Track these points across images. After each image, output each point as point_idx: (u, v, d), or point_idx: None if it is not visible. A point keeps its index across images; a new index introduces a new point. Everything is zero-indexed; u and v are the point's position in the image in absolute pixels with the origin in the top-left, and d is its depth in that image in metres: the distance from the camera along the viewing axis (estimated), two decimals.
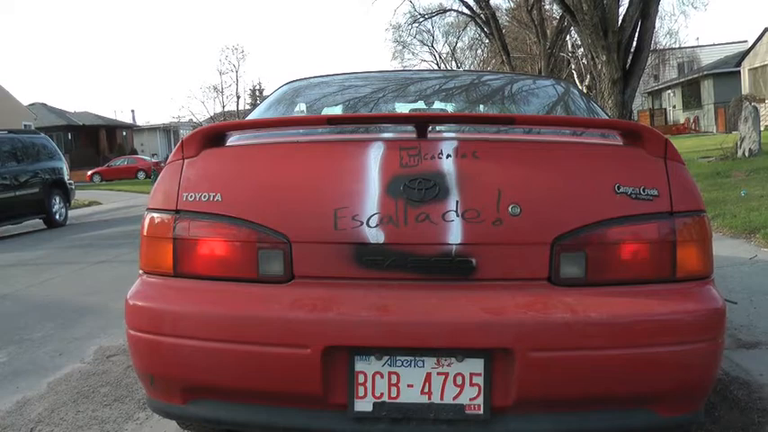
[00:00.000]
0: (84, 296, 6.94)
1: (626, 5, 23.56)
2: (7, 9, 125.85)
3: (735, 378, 3.47)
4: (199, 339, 2.30)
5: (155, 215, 2.49)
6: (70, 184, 17.11)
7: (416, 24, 57.66)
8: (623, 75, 22.12)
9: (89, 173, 45.88)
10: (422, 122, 2.36)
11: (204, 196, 2.38)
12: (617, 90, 21.95)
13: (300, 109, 3.71)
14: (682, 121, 47.57)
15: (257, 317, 2.26)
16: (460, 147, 2.31)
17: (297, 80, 4.10)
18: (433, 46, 71.81)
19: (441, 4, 56.21)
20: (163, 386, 2.43)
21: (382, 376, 2.22)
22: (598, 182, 2.29)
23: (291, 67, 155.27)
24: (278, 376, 2.24)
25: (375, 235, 2.23)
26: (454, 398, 2.20)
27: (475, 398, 2.19)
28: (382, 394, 2.21)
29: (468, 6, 48.02)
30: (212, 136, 2.49)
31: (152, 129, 65.78)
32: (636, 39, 22.73)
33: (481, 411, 2.19)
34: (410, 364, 2.21)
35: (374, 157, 2.30)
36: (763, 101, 32.44)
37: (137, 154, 56.16)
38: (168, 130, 65.23)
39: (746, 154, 14.12)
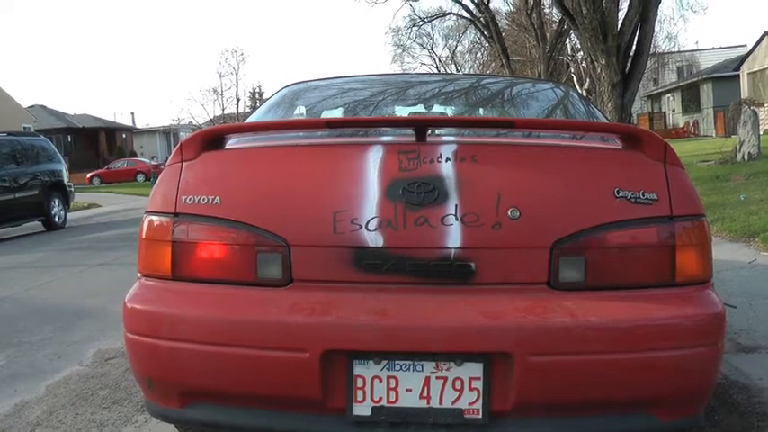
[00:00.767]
0: (82, 299, 6.93)
1: (625, 9, 23.65)
2: (7, 11, 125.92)
3: (734, 382, 3.47)
4: (197, 343, 2.27)
5: (153, 218, 2.48)
6: (69, 186, 17.10)
7: (416, 28, 57.65)
8: (623, 78, 22.13)
9: (88, 175, 45.87)
10: (421, 126, 2.36)
11: (203, 199, 2.36)
12: (616, 93, 21.96)
13: (300, 112, 3.70)
14: (681, 124, 47.61)
15: (256, 320, 2.24)
16: (460, 150, 2.30)
17: (296, 83, 4.08)
18: (432, 49, 71.77)
19: (440, 7, 56.51)
20: (161, 389, 2.42)
21: (381, 380, 2.20)
22: (597, 186, 2.29)
23: (291, 69, 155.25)
24: (276, 380, 2.23)
25: (374, 238, 2.21)
26: (453, 402, 2.18)
27: (474, 402, 2.18)
28: (381, 398, 2.20)
29: (467, 10, 48.05)
30: (211, 139, 2.48)
31: (151, 131, 65.78)
32: (635, 42, 22.74)
33: (480, 416, 2.17)
34: (409, 369, 2.19)
35: (373, 160, 2.29)
36: (762, 105, 32.47)
37: (136, 156, 56.16)
38: (168, 133, 65.22)
39: (746, 158, 14.12)
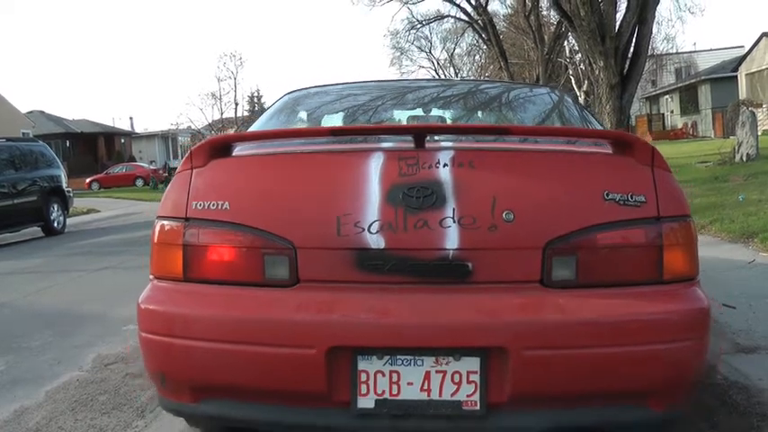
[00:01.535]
0: (82, 304, 6.93)
1: (623, 11, 23.66)
2: (5, 15, 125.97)
3: (734, 383, 3.47)
4: (208, 341, 2.38)
5: (164, 223, 2.58)
6: (68, 191, 17.10)
7: (414, 31, 57.72)
8: (621, 80, 22.16)
9: (87, 180, 45.78)
10: (419, 133, 2.46)
11: (213, 205, 2.46)
12: (615, 95, 21.99)
13: (301, 118, 3.86)
14: (679, 125, 47.62)
15: (265, 319, 2.36)
16: (457, 156, 2.40)
17: (297, 90, 4.17)
18: (430, 52, 71.82)
19: (438, 10, 56.28)
20: (174, 385, 2.53)
21: (383, 375, 2.30)
22: (588, 189, 2.39)
23: (290, 73, 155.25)
24: (284, 375, 2.33)
25: (376, 241, 2.31)
26: (452, 395, 2.29)
27: (471, 394, 2.28)
28: (384, 392, 2.30)
29: (465, 12, 48.13)
30: (219, 147, 2.59)
31: (150, 136, 65.69)
32: (633, 44, 22.77)
33: (477, 407, 2.28)
34: (410, 363, 2.30)
35: (375, 166, 2.38)
36: (760, 106, 32.49)
37: (135, 161, 56.09)
38: (167, 138, 65.13)
39: (744, 159, 14.13)
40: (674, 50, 50.31)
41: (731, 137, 20.82)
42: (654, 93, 54.29)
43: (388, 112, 3.91)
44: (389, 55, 69.29)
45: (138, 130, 69.65)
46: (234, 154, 2.63)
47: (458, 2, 47.72)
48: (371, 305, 2.32)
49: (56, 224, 15.94)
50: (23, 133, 36.05)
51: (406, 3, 49.06)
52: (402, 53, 67.04)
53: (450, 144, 2.57)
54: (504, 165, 2.45)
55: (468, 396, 2.29)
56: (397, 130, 2.89)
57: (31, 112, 50.64)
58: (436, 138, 2.65)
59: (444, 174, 2.36)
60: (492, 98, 4.22)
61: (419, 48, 69.60)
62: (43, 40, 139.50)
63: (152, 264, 2.67)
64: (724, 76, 41.04)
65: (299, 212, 2.40)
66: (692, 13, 42.66)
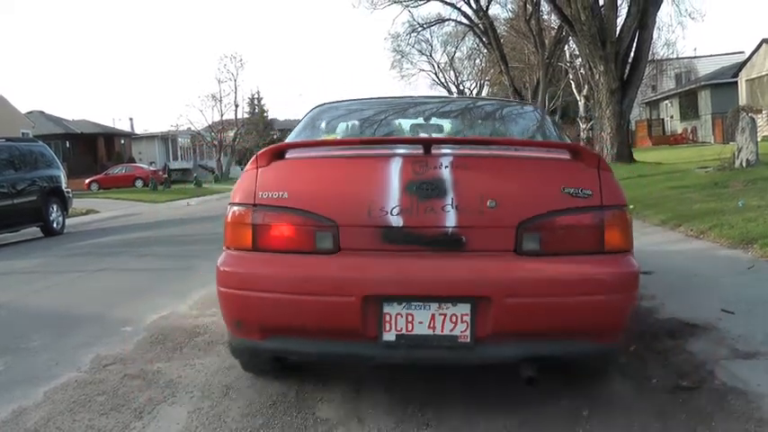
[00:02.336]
0: (80, 305, 6.93)
1: (624, 16, 23.71)
2: (6, 16, 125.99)
3: (732, 388, 3.47)
4: (274, 293, 3.24)
5: (236, 208, 3.44)
6: (68, 192, 17.09)
7: (415, 34, 57.72)
8: (621, 85, 22.26)
9: (87, 181, 45.81)
10: (427, 144, 3.33)
11: (274, 194, 3.32)
12: (615, 100, 22.08)
13: (327, 128, 4.88)
14: (679, 131, 47.67)
15: (317, 277, 3.21)
16: (454, 161, 3.25)
17: (323, 104, 5.28)
18: (431, 55, 71.91)
19: (439, 13, 56.31)
20: (246, 328, 3.41)
21: (402, 316, 3.16)
22: (550, 184, 3.25)
23: (290, 75, 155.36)
24: (330, 318, 3.20)
25: (396, 221, 3.18)
26: (450, 331, 3.15)
27: (464, 331, 3.14)
28: (402, 329, 3.17)
29: (466, 16, 48.13)
30: (278, 152, 3.46)
31: (150, 137, 65.65)
32: (634, 49, 22.86)
33: (468, 340, 3.14)
34: (421, 308, 3.16)
35: (395, 168, 3.25)
36: (760, 111, 32.52)
37: (135, 162, 56.08)
38: (166, 139, 65.10)
39: (744, 164, 14.12)
40: (675, 56, 50.38)
41: (731, 142, 20.82)
42: (654, 98, 54.33)
43: (398, 124, 5.09)
44: (390, 58, 69.37)
45: (138, 131, 69.67)
46: (287, 157, 3.48)
47: (459, 5, 47.70)
48: (393, 266, 3.18)
49: (55, 225, 15.93)
50: (23, 133, 36.05)
51: (407, 6, 48.97)
52: (402, 56, 67.03)
53: (449, 151, 3.35)
54: (488, 167, 3.37)
55: (461, 332, 3.14)
56: (411, 141, 3.74)
57: (30, 112, 50.64)
58: (439, 147, 3.42)
59: (445, 173, 3.21)
60: (482, 114, 5.38)
61: (420, 51, 69.64)
62: (43, 40, 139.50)
63: (226, 238, 3.48)
64: (724, 82, 41.11)
65: (340, 200, 3.26)
66: (693, 18, 42.88)
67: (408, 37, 58.21)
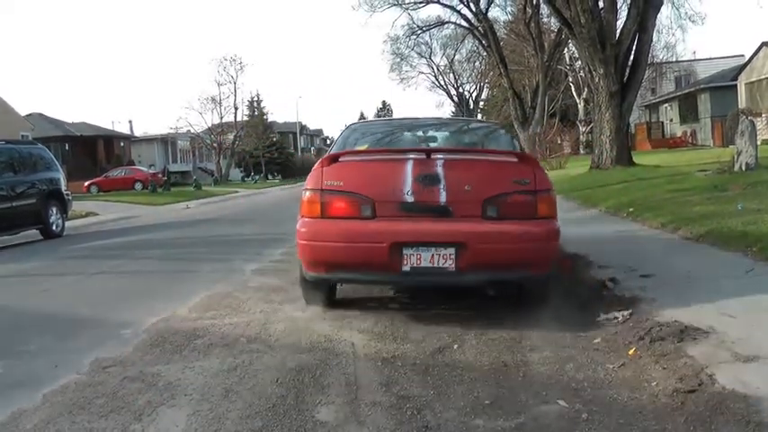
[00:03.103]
0: (80, 307, 6.93)
1: (624, 19, 23.71)
2: (5, 17, 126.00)
3: (732, 391, 3.46)
4: (334, 242, 5.20)
5: (309, 192, 5.38)
6: (67, 194, 17.10)
7: (414, 37, 57.66)
8: (621, 88, 22.24)
9: (86, 183, 45.72)
10: (428, 152, 5.53)
11: (334, 183, 5.30)
12: (614, 103, 22.07)
13: (358, 140, 7.01)
14: (679, 134, 47.67)
15: (362, 231, 5.15)
16: (444, 162, 5.29)
17: (354, 123, 8.10)
18: (430, 58, 71.92)
19: (439, 16, 56.16)
20: (316, 265, 5.37)
21: (414, 255, 5.06)
22: (504, 176, 5.29)
23: (289, 78, 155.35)
24: (370, 257, 5.12)
25: (410, 198, 5.17)
26: (442, 264, 5.05)
27: (451, 264, 5.04)
28: (414, 263, 5.07)
29: (466, 19, 48.07)
30: (334, 157, 5.54)
31: (150, 140, 65.62)
32: (633, 52, 22.85)
33: (454, 270, 5.03)
34: (425, 250, 5.05)
35: (409, 167, 5.26)
36: (759, 115, 32.51)
37: (134, 165, 56.05)
38: (166, 141, 65.09)
39: (743, 168, 14.09)
40: (674, 59, 50.41)
41: (730, 146, 20.82)
42: (653, 101, 54.35)
43: (408, 135, 7.46)
44: (389, 61, 69.16)
45: (138, 133, 69.66)
46: (340, 160, 5.57)
47: (458, 8, 47.62)
48: (408, 225, 5.13)
49: (54, 227, 15.93)
50: (22, 136, 36.07)
51: (407, 9, 48.94)
52: (402, 59, 66.96)
53: (441, 156, 5.44)
54: (465, 166, 5.50)
55: (449, 265, 5.04)
56: (418, 151, 5.75)
57: (30, 114, 50.54)
58: (435, 154, 5.54)
59: (439, 170, 5.25)
60: (464, 130, 8.21)
61: (419, 54, 69.64)
62: (43, 42, 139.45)
63: (302, 211, 5.43)
64: (724, 85, 41.10)
65: (375, 186, 5.27)
66: (693, 21, 42.65)
67: (408, 40, 58.12)
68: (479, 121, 12.56)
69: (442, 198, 5.17)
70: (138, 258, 10.77)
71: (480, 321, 5.40)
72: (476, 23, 46.88)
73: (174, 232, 15.61)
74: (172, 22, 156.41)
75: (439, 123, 8.58)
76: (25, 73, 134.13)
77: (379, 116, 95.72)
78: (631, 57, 22.92)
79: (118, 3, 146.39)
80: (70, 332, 5.80)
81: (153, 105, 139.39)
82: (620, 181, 16.99)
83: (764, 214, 8.32)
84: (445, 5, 48.27)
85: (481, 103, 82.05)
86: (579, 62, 44.28)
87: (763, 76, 35.36)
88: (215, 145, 64.82)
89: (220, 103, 65.59)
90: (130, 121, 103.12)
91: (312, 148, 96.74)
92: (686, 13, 37.66)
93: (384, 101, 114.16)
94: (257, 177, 64.78)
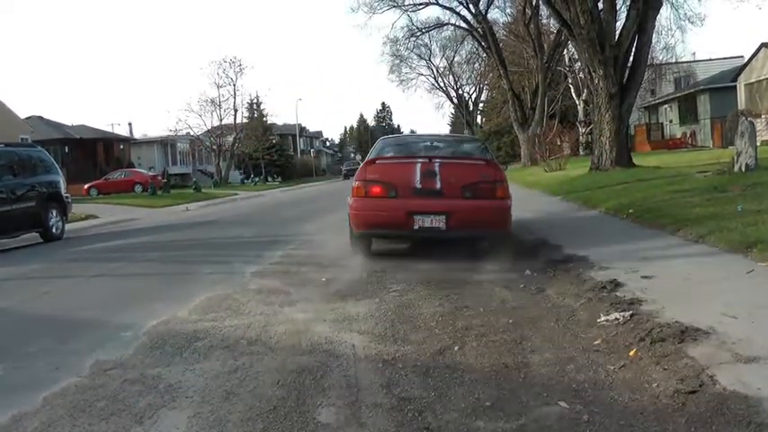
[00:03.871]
0: (80, 310, 6.93)
1: (623, 20, 23.70)
2: (5, 20, 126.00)
3: (732, 392, 3.46)
4: (373, 212, 8.69)
5: (358, 182, 8.84)
6: (67, 197, 17.09)
7: (414, 38, 57.83)
8: (620, 89, 22.22)
9: (86, 186, 45.69)
10: (430, 157, 9.01)
11: (374, 175, 8.78)
12: (614, 104, 22.05)
13: (389, 151, 10.02)
14: (678, 135, 47.66)
15: (390, 206, 8.60)
16: (441, 164, 8.75)
17: (385, 137, 12.19)
18: (430, 60, 72.02)
19: (438, 18, 56.46)
20: (361, 226, 8.80)
21: (420, 220, 8.36)
22: (476, 173, 8.76)
23: (289, 80, 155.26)
24: (394, 220, 8.50)
25: (418, 185, 8.61)
26: (438, 225, 8.37)
27: (443, 225, 8.34)
28: (420, 225, 8.39)
29: (465, 20, 48.20)
30: (372, 160, 9.11)
31: (149, 142, 65.63)
32: (633, 53, 22.83)
33: (444, 228, 8.35)
34: (427, 216, 8.36)
35: (418, 166, 8.71)
36: (759, 116, 32.50)
37: (134, 167, 56.05)
38: (165, 144, 65.10)
39: (743, 169, 14.09)
40: (674, 60, 50.42)
41: (730, 147, 20.82)
42: (653, 102, 54.36)
43: (420, 145, 10.57)
44: (389, 62, 69.21)
45: (137, 136, 69.65)
46: (376, 162, 9.05)
47: (458, 10, 47.77)
48: (417, 201, 8.51)
49: (54, 230, 15.92)
50: (22, 139, 36.03)
51: (406, 10, 49.06)
52: (402, 61, 67.05)
53: (437, 161, 8.80)
54: (452, 166, 8.88)
55: (442, 225, 8.33)
56: (424, 157, 8.99)
57: (29, 117, 50.59)
58: (436, 159, 8.89)
59: (437, 169, 8.66)
60: (454, 142, 12.30)
61: (419, 55, 69.77)
62: (43, 45, 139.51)
63: (353, 193, 8.86)
64: (723, 86, 41.10)
65: (397, 178, 8.67)
66: (692, 22, 42.82)
67: (407, 41, 58.27)
68: (465, 137, 22.77)
69: (438, 185, 8.62)
70: (138, 261, 10.77)
71: (480, 322, 5.41)
72: (475, 25, 46.99)
73: (173, 234, 15.62)
74: (171, 25, 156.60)
75: (438, 139, 12.13)
76: (25, 76, 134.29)
77: (378, 117, 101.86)
78: (631, 58, 22.89)
79: (117, 5, 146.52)
80: (70, 334, 5.80)
81: (152, 108, 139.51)
82: (620, 182, 16.96)
83: (764, 215, 8.32)
84: (444, 7, 48.44)
85: (481, 104, 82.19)
86: (579, 63, 44.32)
87: (763, 77, 35.37)
88: (214, 147, 64.79)
89: (220, 106, 65.58)
90: (130, 124, 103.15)
91: (312, 150, 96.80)
92: (685, 14, 37.95)
93: (383, 102, 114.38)
94: (257, 179, 64.79)
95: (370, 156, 9.59)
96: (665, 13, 38.29)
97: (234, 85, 69.04)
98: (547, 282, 6.99)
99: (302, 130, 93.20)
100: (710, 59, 54.82)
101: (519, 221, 10.69)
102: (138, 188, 45.39)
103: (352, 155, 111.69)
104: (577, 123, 51.43)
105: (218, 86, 67.41)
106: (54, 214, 16.01)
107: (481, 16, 45.29)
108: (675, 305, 5.14)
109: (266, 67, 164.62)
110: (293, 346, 5.03)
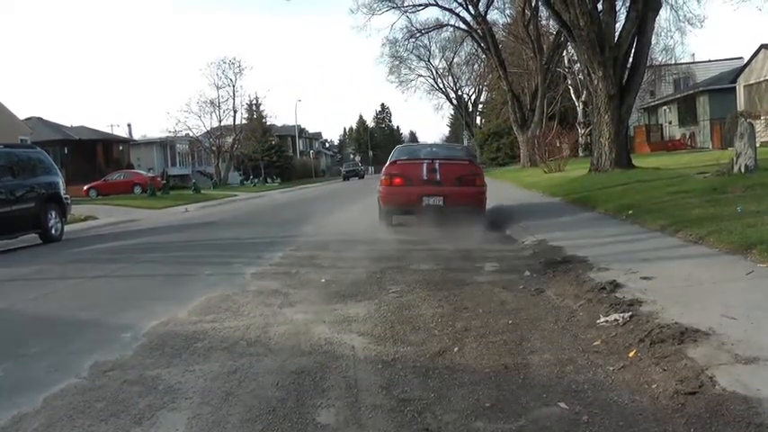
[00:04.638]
0: (80, 311, 6.93)
1: (623, 21, 23.70)
2: (4, 21, 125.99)
3: (732, 393, 3.46)
4: (396, 195, 13.08)
5: (384, 175, 13.27)
6: (66, 198, 17.09)
7: (413, 39, 57.96)
8: (620, 90, 22.23)
9: (85, 187, 45.71)
10: (432, 159, 13.39)
11: (395, 171, 13.17)
12: (613, 105, 22.06)
13: (404, 155, 14.40)
14: (678, 136, 47.69)
15: (407, 191, 12.87)
16: (440, 164, 13.05)
17: (401, 145, 17.41)
18: (429, 61, 72.08)
19: (437, 19, 56.53)
20: (387, 203, 13.22)
21: (426, 199, 12.51)
22: (463, 169, 13.13)
23: (288, 81, 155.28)
24: (409, 201, 12.81)
25: (425, 177, 12.76)
26: (438, 203, 12.51)
27: (441, 203, 12.49)
28: (427, 204, 12.55)
29: (464, 22, 48.28)
30: (395, 161, 13.56)
31: (148, 143, 65.68)
32: (632, 55, 22.85)
33: (443, 205, 12.50)
34: (431, 197, 12.52)
35: (425, 165, 12.95)
36: (758, 117, 32.54)
37: (133, 168, 56.05)
38: (165, 145, 65.11)
39: (742, 170, 14.09)
40: (673, 61, 50.47)
41: (729, 148, 20.83)
42: (652, 103, 54.38)
43: (426, 150, 15.22)
44: (388, 64, 69.32)
45: (137, 137, 69.68)
46: (396, 162, 13.48)
47: (457, 11, 47.85)
48: (425, 188, 12.61)
49: (53, 231, 15.93)
50: (21, 140, 36.05)
51: (405, 11, 49.14)
52: (401, 62, 67.29)
53: (438, 162, 13.11)
54: (448, 165, 13.10)
55: (441, 203, 12.46)
56: (428, 160, 13.21)
57: (29, 118, 50.63)
58: (437, 160, 13.25)
59: (437, 167, 12.88)
60: (451, 148, 21.16)
61: (418, 56, 69.90)
62: (42, 46, 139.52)
63: (381, 183, 13.20)
64: (722, 88, 41.13)
65: (411, 173, 12.95)
66: (692, 24, 42.77)
67: (406, 42, 58.43)
68: (455, 145, 30.29)
69: (438, 177, 12.58)
70: (138, 262, 10.77)
71: (480, 323, 5.41)
72: (474, 26, 47.05)
73: (173, 236, 15.62)
74: (171, 26, 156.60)
75: (437, 146, 18.57)
76: (24, 77, 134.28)
77: (377, 118, 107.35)
78: (630, 59, 22.91)
79: (117, 6, 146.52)
80: (70, 336, 5.80)
81: (152, 109, 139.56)
82: (620, 183, 16.97)
83: (764, 216, 8.33)
84: (444, 8, 48.53)
85: (480, 105, 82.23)
86: (578, 65, 44.30)
87: (762, 79, 35.41)
88: (214, 148, 64.81)
89: (219, 107, 65.60)
90: (129, 125, 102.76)
91: (311, 152, 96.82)
92: (685, 15, 37.77)
93: (383, 104, 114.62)
94: (256, 181, 64.81)
95: (391, 159, 13.98)
96: (664, 15, 38.39)
97: (233, 86, 69.19)
98: (546, 283, 6.99)
99: (301, 131, 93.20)
100: (710, 61, 54.85)
101: (519, 221, 12.92)
102: (138, 189, 45.41)
103: (352, 156, 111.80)
104: (577, 124, 51.48)
105: (218, 87, 67.59)
106: (53, 215, 16.02)
107: (480, 17, 45.33)
108: (675, 306, 5.14)
109: (266, 68, 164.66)
110: (293, 347, 5.03)
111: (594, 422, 3.43)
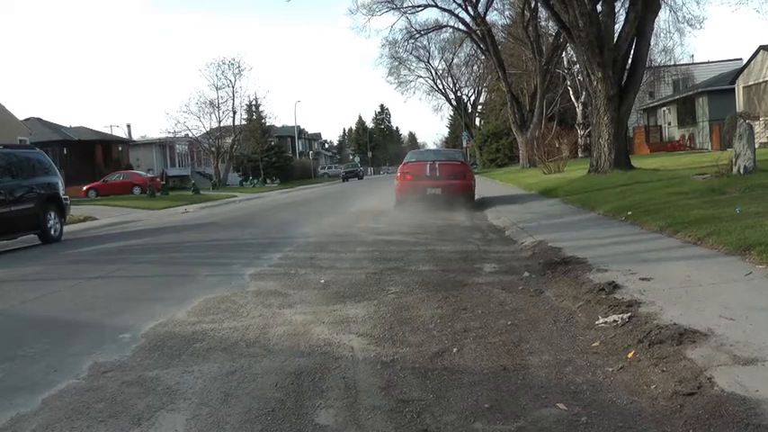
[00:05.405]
0: (79, 312, 6.92)
1: (622, 23, 23.72)
2: (4, 21, 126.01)
3: (731, 394, 3.46)
4: (408, 187, 18.37)
5: (399, 173, 18.97)
6: (65, 199, 17.10)
7: (412, 40, 58.00)
8: (619, 91, 22.27)
9: (85, 188, 45.73)
10: (433, 161, 18.91)
11: (407, 170, 18.70)
12: (612, 106, 22.10)
13: (414, 158, 20.25)
14: (677, 137, 47.71)
15: (417, 185, 18.16)
16: (439, 164, 18.55)
17: (413, 150, 30.21)
18: (429, 62, 72.16)
19: (437, 20, 56.55)
20: (401, 193, 18.68)
21: (429, 189, 17.93)
22: (457, 168, 18.67)
23: (288, 82, 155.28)
24: (417, 191, 18.12)
25: (429, 174, 18.22)
26: (438, 193, 17.90)
27: (440, 193, 17.89)
28: (429, 193, 17.91)
29: (464, 23, 48.30)
30: (407, 162, 19.37)
31: (148, 144, 65.64)
32: (631, 56, 22.88)
33: (441, 194, 17.85)
34: (433, 188, 17.92)
35: (428, 165, 18.47)
36: (757, 118, 32.57)
37: (132, 169, 56.03)
38: (164, 146, 65.09)
39: (741, 171, 14.11)
40: (672, 62, 50.48)
41: (728, 149, 20.85)
42: (651, 104, 54.41)
43: (428, 156, 21.50)
44: (388, 65, 69.40)
45: (136, 137, 69.63)
46: (407, 163, 19.22)
47: (456, 12, 47.89)
48: (428, 182, 18.03)
49: (52, 232, 15.95)
50: (20, 140, 36.09)
51: (405, 12, 49.15)
52: (400, 63, 67.36)
53: (438, 163, 18.64)
54: (446, 165, 18.62)
55: (440, 193, 17.86)
56: (430, 161, 18.80)
57: (28, 119, 50.61)
58: (437, 162, 18.72)
59: (437, 166, 18.36)
60: (448, 152, 30.35)
61: (417, 57, 70.00)
62: (41, 47, 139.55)
63: (397, 178, 18.83)
64: (721, 89, 41.18)
65: (418, 171, 18.41)
66: (691, 25, 42.74)
67: (406, 43, 58.46)
68: (451, 150, 32.86)
69: (438, 174, 17.82)
70: (137, 263, 10.77)
71: (479, 324, 5.41)
72: (474, 27, 47.04)
73: (172, 236, 15.61)
74: (171, 27, 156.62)
75: (437, 152, 31.68)
76: (24, 77, 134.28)
77: (377, 119, 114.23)
78: (629, 60, 22.94)
79: (116, 7, 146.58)
80: (69, 337, 5.80)
81: (151, 110, 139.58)
82: (619, 184, 17.00)
83: (763, 217, 8.33)
84: (443, 9, 48.57)
85: (479, 106, 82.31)
86: (577, 66, 44.41)
87: (761, 80, 35.45)
88: (213, 149, 64.81)
89: (218, 107, 65.62)
90: (128, 126, 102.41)
91: (311, 153, 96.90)
92: (684, 16, 37.63)
93: (382, 105, 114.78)
94: (256, 181, 64.82)
95: (404, 161, 19.31)
96: (663, 16, 38.50)
97: (232, 87, 69.45)
98: (545, 284, 6.99)
99: (301, 131, 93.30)
100: (709, 62, 54.94)
101: (519, 223, 11.12)
102: (137, 190, 45.47)
103: (351, 156, 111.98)
104: (576, 126, 51.54)
105: (217, 88, 67.64)
106: (52, 216, 16.03)
107: (480, 18, 45.35)
108: (674, 307, 5.14)
109: (265, 68, 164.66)
110: (292, 347, 5.03)
111: (593, 423, 3.43)
